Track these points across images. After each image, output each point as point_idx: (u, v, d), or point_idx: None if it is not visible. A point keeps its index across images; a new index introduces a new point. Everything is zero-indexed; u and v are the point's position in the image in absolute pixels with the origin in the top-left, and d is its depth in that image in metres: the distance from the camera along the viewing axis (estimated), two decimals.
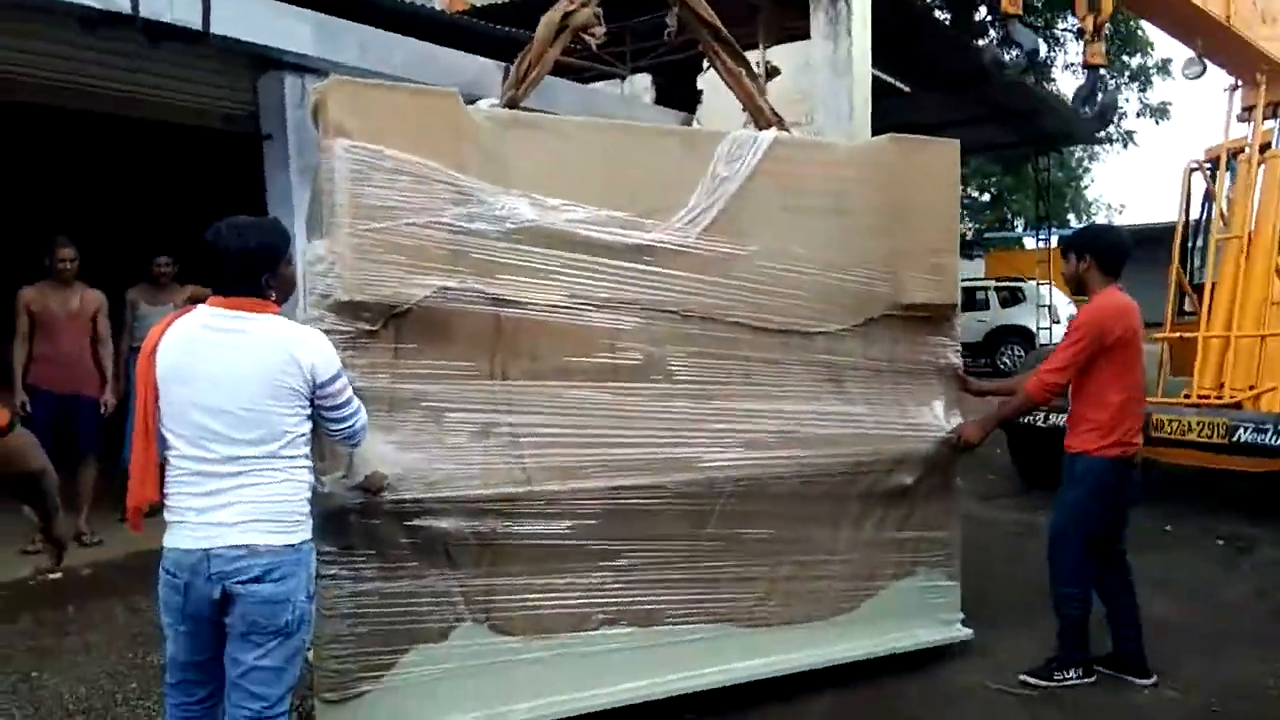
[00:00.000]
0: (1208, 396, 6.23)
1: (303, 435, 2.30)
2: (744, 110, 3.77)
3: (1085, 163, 29.90)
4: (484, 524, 2.93)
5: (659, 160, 3.28)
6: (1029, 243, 25.23)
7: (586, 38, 3.28)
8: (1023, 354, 14.98)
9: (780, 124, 3.64)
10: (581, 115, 6.37)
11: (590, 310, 3.10)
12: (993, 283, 18.33)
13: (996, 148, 17.64)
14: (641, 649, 3.24)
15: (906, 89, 10.47)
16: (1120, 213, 33.55)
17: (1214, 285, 6.77)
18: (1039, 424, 6.39)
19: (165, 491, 2.28)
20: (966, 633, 3.90)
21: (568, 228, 3.03)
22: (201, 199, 6.49)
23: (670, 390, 3.24)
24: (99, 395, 5.47)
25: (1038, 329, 15.99)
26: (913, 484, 3.66)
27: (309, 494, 2.34)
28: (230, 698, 2.27)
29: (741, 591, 3.40)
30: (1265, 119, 6.96)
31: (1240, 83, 7.22)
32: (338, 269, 2.70)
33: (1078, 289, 3.79)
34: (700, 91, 8.18)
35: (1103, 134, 18.36)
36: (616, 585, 3.18)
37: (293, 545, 2.25)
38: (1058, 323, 15.69)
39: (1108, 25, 5.79)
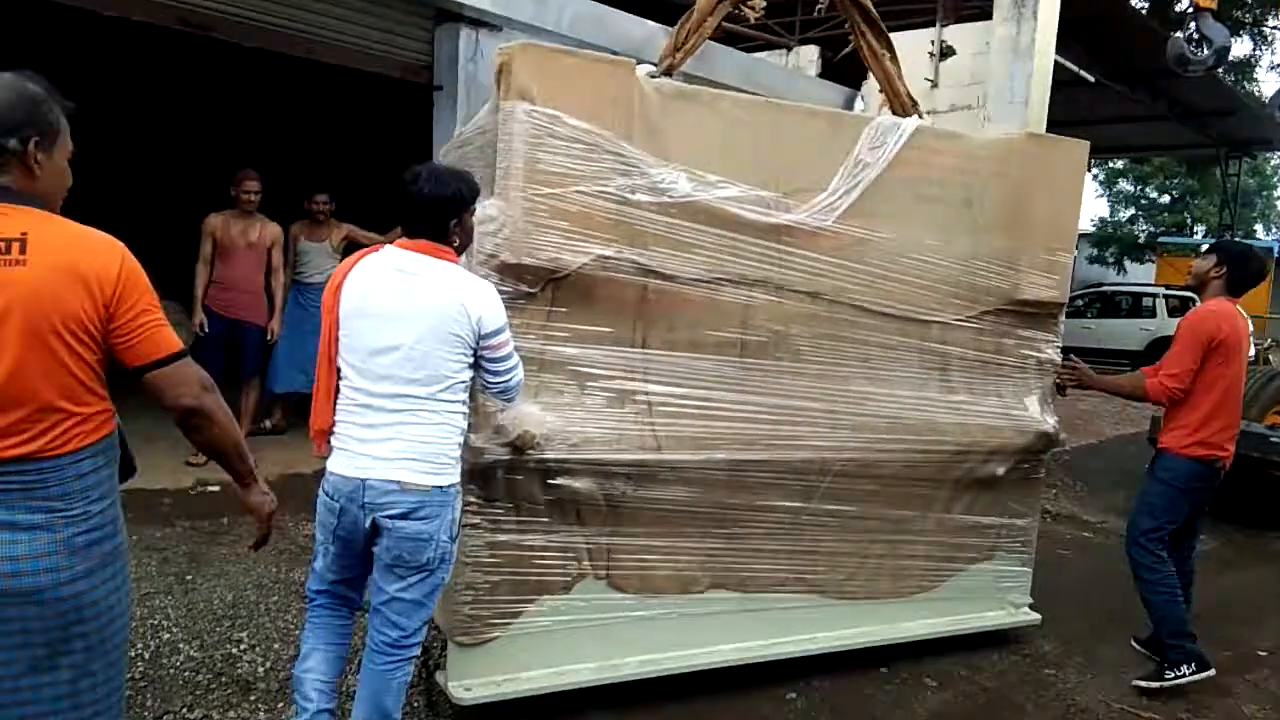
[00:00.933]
0: None
1: (463, 382, 2.39)
2: (880, 91, 3.76)
3: None
4: (614, 486, 3.03)
5: (806, 141, 3.30)
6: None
7: (746, 9, 3.25)
8: None
9: (916, 110, 3.65)
10: (743, 84, 6.24)
11: (728, 285, 3.16)
12: (1162, 289, 16.90)
13: (1182, 148, 16.50)
14: (742, 613, 3.38)
15: (1092, 79, 9.87)
16: None
17: None
18: None
19: (335, 418, 2.40)
20: (1035, 617, 4.06)
21: (720, 204, 3.06)
22: (373, 144, 6.93)
23: (794, 369, 3.32)
24: (266, 323, 5.73)
25: None
26: (1003, 473, 3.77)
27: (462, 439, 2.44)
28: (371, 621, 2.43)
29: (837, 565, 3.54)
30: None
31: None
32: (506, 231, 2.74)
33: (1196, 288, 3.87)
34: (867, 68, 7.99)
35: None
36: (725, 552, 3.31)
37: (441, 487, 2.36)
38: None
39: None
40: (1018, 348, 3.83)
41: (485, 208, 2.82)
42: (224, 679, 3.19)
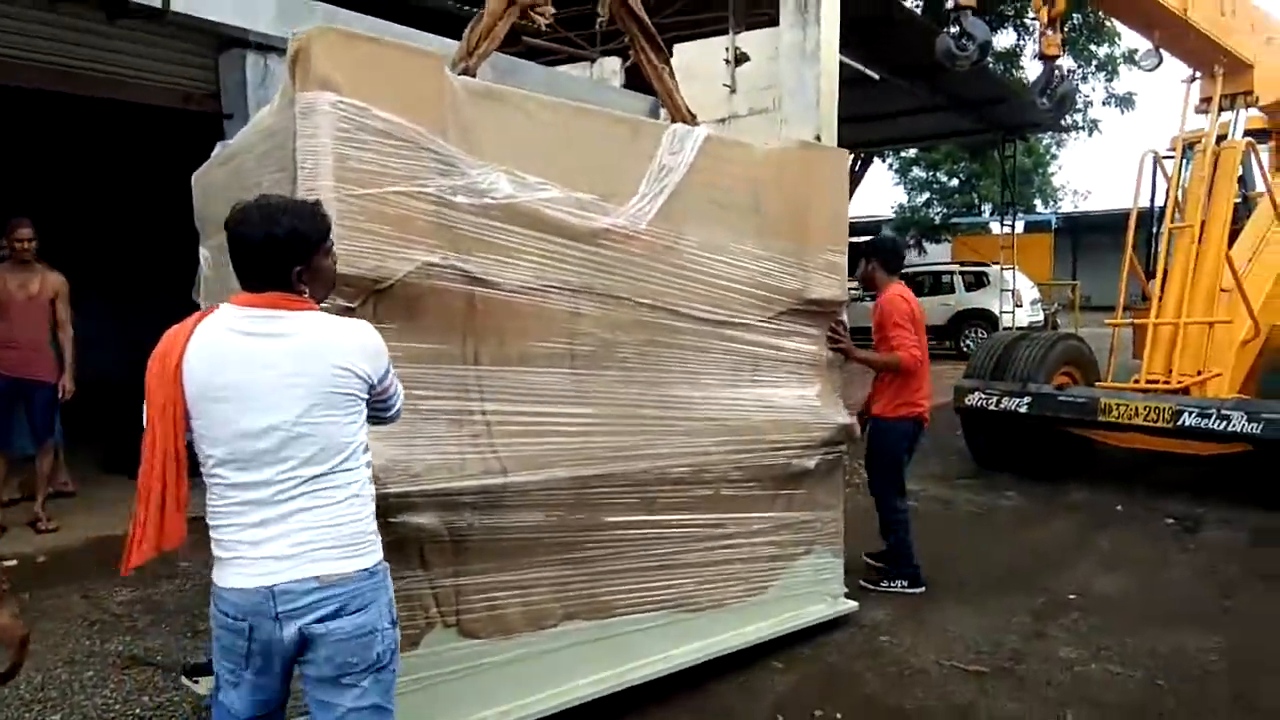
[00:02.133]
0: (1156, 381, 6.56)
1: (363, 443, 1.99)
2: (662, 105, 3.86)
3: (1053, 149, 30.02)
4: (460, 518, 2.73)
5: (612, 145, 3.26)
6: (995, 227, 24.72)
7: (535, 15, 3.18)
8: (985, 336, 14.46)
9: (694, 121, 3.77)
10: (550, 94, 6.13)
11: (553, 293, 3.02)
12: (958, 267, 18.28)
13: (962, 134, 17.52)
14: (598, 641, 3.19)
15: (876, 76, 10.44)
16: (1086, 198, 34.05)
17: (1165, 273, 7.10)
18: (990, 408, 6.84)
19: (210, 523, 1.92)
20: (853, 605, 4.25)
21: (540, 207, 2.93)
22: (163, 179, 6.11)
23: (623, 377, 3.23)
24: (56, 379, 5.34)
25: (1000, 312, 15.84)
26: (813, 467, 3.92)
27: (373, 510, 2.03)
28: None
29: (682, 577, 3.46)
30: (1221, 110, 7.20)
31: (1198, 75, 7.38)
32: None
33: (868, 287, 4.67)
34: (647, 80, 7.90)
35: (1067, 122, 18.56)
36: (575, 579, 3.11)
37: (367, 569, 1.95)
38: (1020, 306, 15.74)
39: (1074, 16, 6.09)
40: (812, 345, 4.03)
41: None
42: None
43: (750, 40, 7.48)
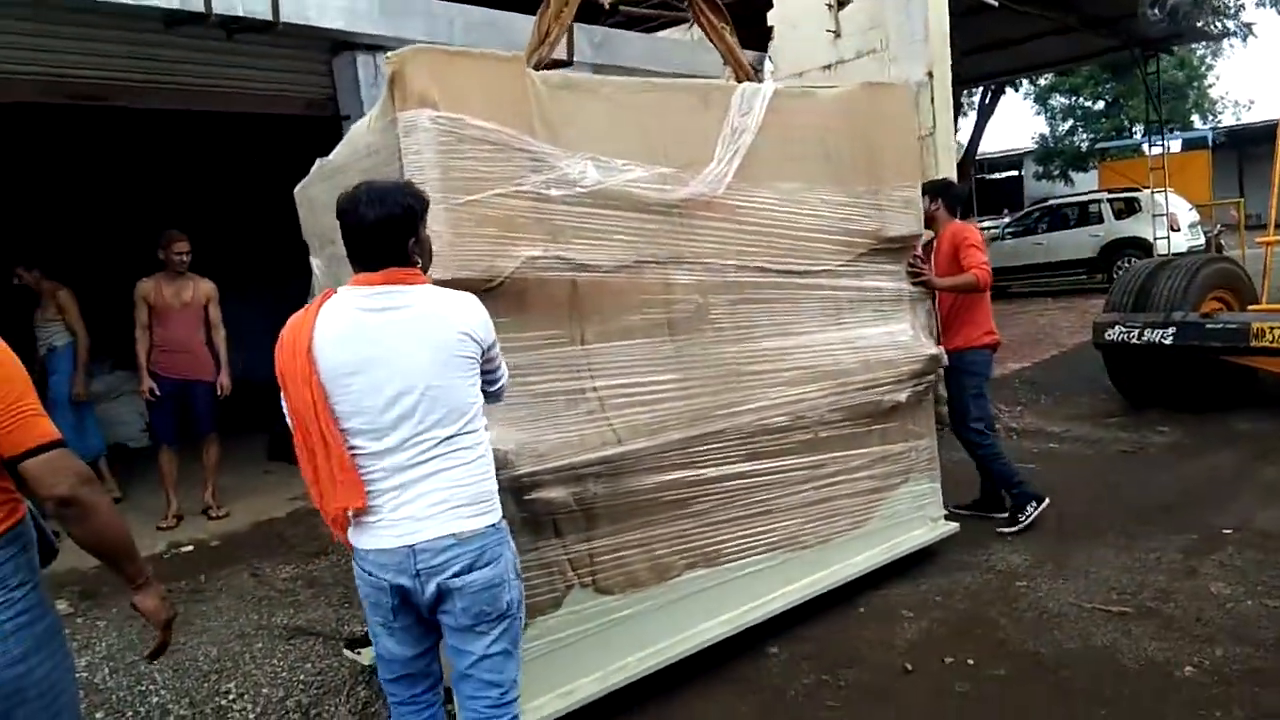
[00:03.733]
0: None
1: (481, 405, 2.18)
2: (725, 64, 3.95)
3: (1208, 59, 27.85)
4: (585, 489, 2.96)
5: (685, 115, 3.37)
6: (1147, 149, 22.72)
7: None
8: None
9: (760, 76, 3.85)
10: (650, 65, 6.45)
11: (646, 266, 3.18)
12: (1105, 194, 17.05)
13: (1098, 55, 16.54)
14: (717, 587, 3.41)
15: (995, 3, 9.98)
16: (1249, 109, 31.93)
17: None
18: (1133, 341, 6.49)
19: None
20: (954, 527, 4.38)
21: (627, 187, 3.07)
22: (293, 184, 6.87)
23: (718, 337, 3.39)
24: (213, 379, 5.74)
25: (1154, 239, 14.58)
26: (904, 400, 4.03)
27: (494, 469, 2.23)
28: (461, 690, 2.19)
29: (788, 518, 3.65)
30: None
31: None
32: (435, 247, 2.59)
33: (929, 225, 4.65)
34: (771, 29, 7.90)
35: (1215, 28, 16.78)
36: (692, 531, 3.32)
37: (494, 525, 2.16)
38: (1177, 230, 14.57)
39: None
40: (892, 282, 4.12)
41: None
42: None
43: None
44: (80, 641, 4.04)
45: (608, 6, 3.44)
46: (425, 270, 2.24)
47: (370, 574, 2.14)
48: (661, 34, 8.76)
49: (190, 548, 5.26)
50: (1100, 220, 16.34)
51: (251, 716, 3.37)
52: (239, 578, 4.80)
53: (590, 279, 3.01)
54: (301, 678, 3.64)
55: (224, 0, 5.02)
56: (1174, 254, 12.38)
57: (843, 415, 3.80)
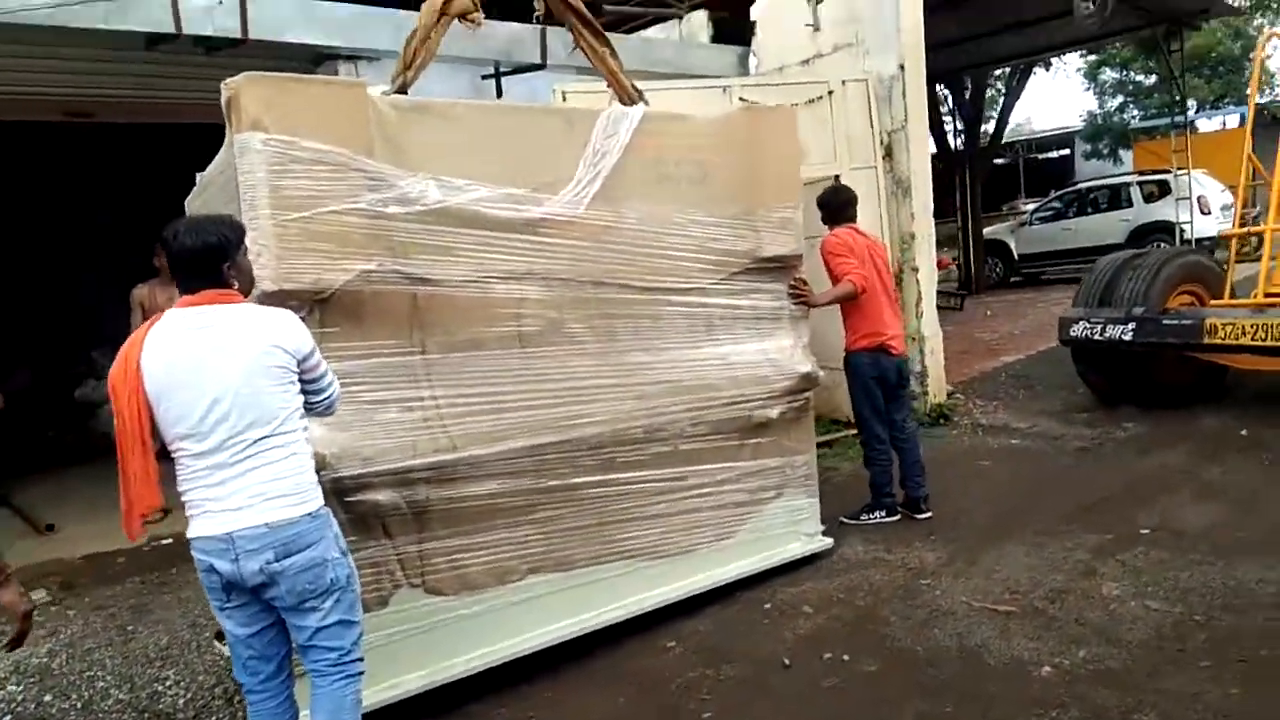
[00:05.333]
0: (1277, 295, 6.01)
1: (297, 410, 2.40)
2: (609, 86, 4.04)
3: (1266, 27, 25.33)
4: (417, 492, 3.11)
5: (545, 138, 3.51)
6: (1203, 125, 21.76)
7: (466, 24, 3.45)
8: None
9: (642, 99, 3.95)
10: (642, 65, 6.47)
11: (496, 282, 3.31)
12: (1135, 177, 16.51)
13: (1119, 33, 15.48)
14: (563, 591, 3.54)
15: None
16: None
17: None
18: (1095, 337, 6.39)
19: (180, 490, 2.37)
20: (828, 542, 4.49)
21: (472, 206, 3.21)
22: None
23: (573, 350, 3.52)
24: None
25: (1178, 223, 13.74)
26: (777, 416, 4.13)
27: (313, 465, 2.45)
28: (306, 656, 2.44)
29: (646, 528, 3.77)
30: None
31: None
32: (263, 259, 2.77)
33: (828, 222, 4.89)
34: (754, 24, 8.01)
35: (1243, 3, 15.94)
36: (537, 537, 3.46)
37: (310, 513, 2.38)
38: (1207, 213, 13.87)
39: None
40: (770, 301, 4.22)
41: None
42: (147, 715, 3.53)
43: None
44: (47, 630, 4.30)
45: (537, 17, 3.56)
46: (245, 291, 2.48)
47: (200, 559, 2.37)
48: (645, 33, 8.84)
49: (170, 540, 5.36)
50: (1130, 204, 15.79)
51: (180, 701, 3.60)
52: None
53: (432, 292, 3.16)
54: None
55: (196, 21, 5.24)
56: (1144, 248, 11.59)
57: (707, 429, 3.91)
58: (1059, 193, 18.79)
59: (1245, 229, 6.61)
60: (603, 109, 3.72)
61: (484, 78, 6.45)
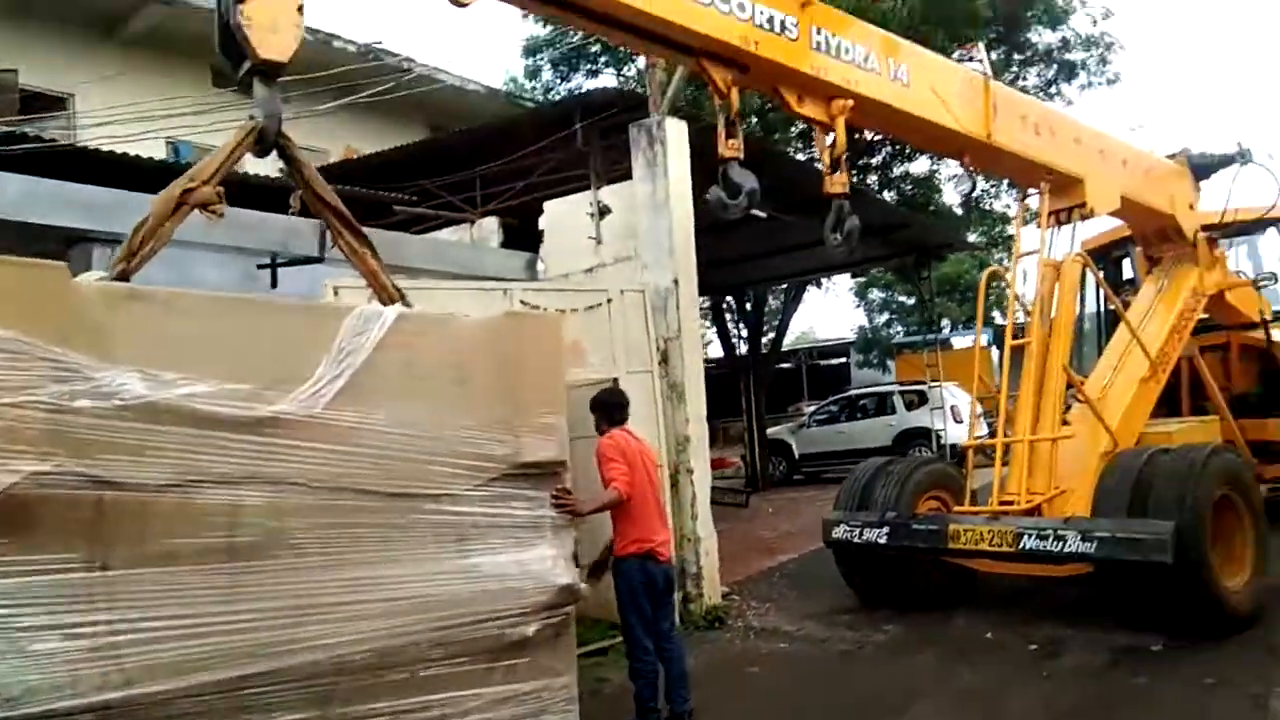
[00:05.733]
0: (1011, 502, 6.27)
1: None
2: (368, 285, 3.93)
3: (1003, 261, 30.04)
4: None
5: (284, 334, 3.32)
6: (957, 342, 24.44)
7: (207, 215, 3.29)
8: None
9: (403, 300, 3.86)
10: (434, 265, 6.60)
11: (207, 487, 2.98)
12: (896, 387, 18.65)
13: (880, 260, 17.39)
14: None
15: (763, 215, 10.28)
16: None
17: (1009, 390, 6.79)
18: (855, 540, 6.59)
19: None
20: None
21: (184, 402, 2.92)
22: None
23: (295, 565, 3.17)
24: None
25: (933, 429, 15.60)
26: (533, 634, 3.85)
27: None
28: None
29: None
30: (1061, 224, 7.01)
31: (1029, 191, 7.22)
32: None
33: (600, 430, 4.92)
34: (542, 231, 8.23)
35: (980, 240, 18.89)
36: None
37: None
38: (960, 421, 15.15)
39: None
40: (530, 508, 4.02)
41: None
42: None
43: (614, 194, 7.81)
44: None
45: (292, 211, 3.43)
46: None
47: None
48: (438, 234, 9.07)
49: None
50: (894, 411, 17.51)
51: None
52: None
53: (121, 498, 2.78)
54: None
55: None
56: (899, 456, 12.51)
57: (453, 651, 3.58)
58: (833, 398, 20.50)
59: (979, 440, 7.10)
60: (356, 306, 3.57)
61: (260, 267, 6.26)
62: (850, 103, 5.28)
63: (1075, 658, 5.67)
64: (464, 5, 3.94)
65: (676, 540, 6.84)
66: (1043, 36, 16.36)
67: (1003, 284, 7.16)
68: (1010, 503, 6.29)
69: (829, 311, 50.82)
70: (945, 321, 29.08)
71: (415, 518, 3.57)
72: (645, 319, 6.95)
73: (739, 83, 4.93)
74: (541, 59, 18.36)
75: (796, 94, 5.18)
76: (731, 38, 4.71)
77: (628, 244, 7.56)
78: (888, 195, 17.40)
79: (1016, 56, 16.39)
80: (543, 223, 8.23)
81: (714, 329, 20.25)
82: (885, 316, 30.92)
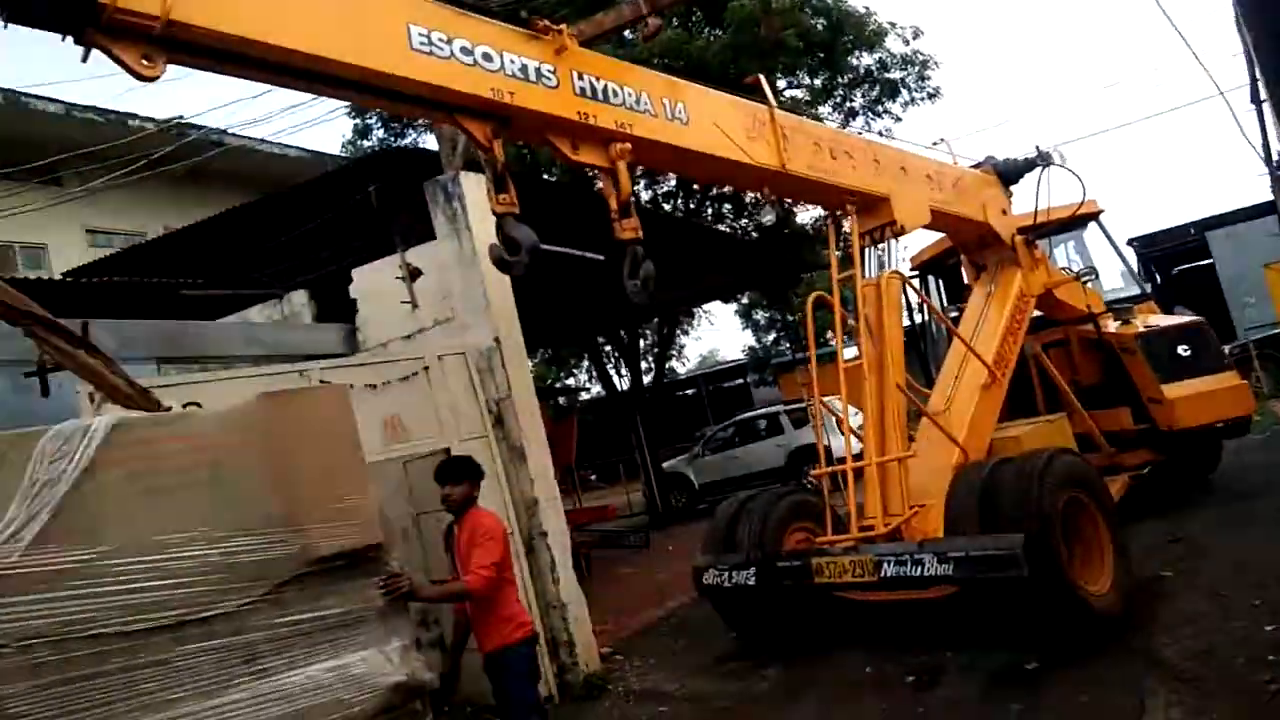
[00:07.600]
0: (871, 528, 6.09)
1: None
2: (96, 389, 3.50)
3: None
4: None
5: None
6: (848, 353, 24.61)
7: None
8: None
9: (143, 396, 3.42)
10: (245, 347, 6.35)
11: None
12: (783, 407, 18.45)
13: (737, 288, 17.74)
14: None
15: (601, 257, 9.77)
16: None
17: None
18: (726, 585, 6.36)
19: None
20: None
21: None
22: None
23: None
24: None
25: (819, 445, 15.00)
26: None
27: None
28: None
29: None
30: (876, 243, 7.03)
31: (837, 213, 7.22)
32: None
33: (449, 508, 4.45)
34: (355, 301, 7.80)
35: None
36: None
37: None
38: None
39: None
40: (344, 605, 3.56)
41: None
42: None
43: (423, 254, 7.40)
44: None
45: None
46: None
47: None
48: (246, 313, 8.51)
49: None
50: (784, 430, 17.55)
51: None
52: None
53: None
54: None
55: None
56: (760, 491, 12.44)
57: None
58: (723, 424, 20.44)
59: (831, 467, 6.82)
60: (50, 428, 3.10)
61: (26, 375, 5.69)
62: (628, 145, 5.07)
63: (951, 688, 5.45)
64: (152, 79, 3.58)
65: (540, 609, 6.50)
66: (861, 59, 16.92)
67: (828, 309, 7.04)
68: (870, 528, 6.12)
69: (731, 334, 52.17)
70: (829, 334, 29.84)
71: (183, 649, 3.09)
72: (471, 382, 6.59)
73: (503, 135, 4.67)
74: (370, 118, 17.96)
75: (569, 142, 4.95)
76: (481, 90, 4.43)
77: (444, 305, 7.22)
78: (745, 222, 17.64)
79: (840, 80, 16.88)
80: (353, 291, 7.86)
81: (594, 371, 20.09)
82: (773, 335, 31.45)
